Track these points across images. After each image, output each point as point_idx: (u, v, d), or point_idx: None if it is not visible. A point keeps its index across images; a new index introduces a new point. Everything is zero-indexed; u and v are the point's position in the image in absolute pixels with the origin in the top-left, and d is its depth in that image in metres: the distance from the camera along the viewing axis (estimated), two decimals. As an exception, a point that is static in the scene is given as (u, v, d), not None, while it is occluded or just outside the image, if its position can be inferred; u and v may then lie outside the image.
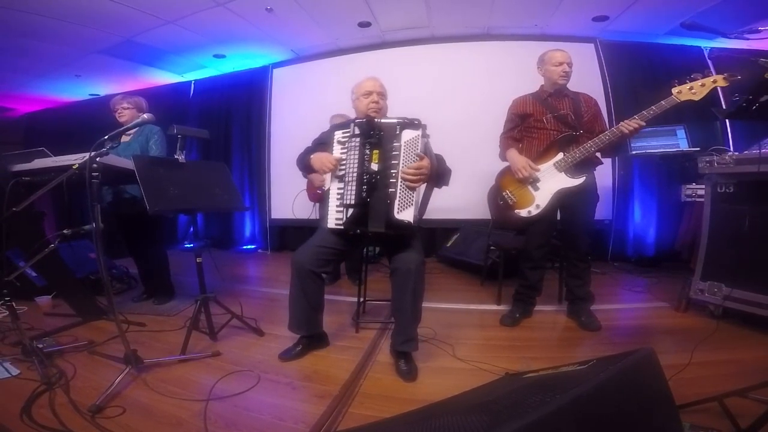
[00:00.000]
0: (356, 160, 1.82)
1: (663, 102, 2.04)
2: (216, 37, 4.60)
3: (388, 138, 1.80)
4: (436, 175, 1.86)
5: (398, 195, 1.73)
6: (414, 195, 1.75)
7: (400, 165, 1.74)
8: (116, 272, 3.54)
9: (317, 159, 1.95)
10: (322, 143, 2.04)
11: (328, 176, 1.93)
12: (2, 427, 1.41)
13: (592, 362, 1.15)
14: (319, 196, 3.70)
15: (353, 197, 1.80)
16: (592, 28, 4.28)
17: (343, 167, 1.87)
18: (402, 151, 1.75)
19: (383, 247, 2.00)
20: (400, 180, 1.74)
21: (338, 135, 1.94)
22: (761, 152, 2.08)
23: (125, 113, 2.89)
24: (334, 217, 1.88)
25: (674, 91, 2.02)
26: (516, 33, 4.55)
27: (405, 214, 1.72)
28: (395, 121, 1.81)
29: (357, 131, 1.86)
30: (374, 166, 1.79)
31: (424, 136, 1.81)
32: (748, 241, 2.23)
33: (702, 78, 1.97)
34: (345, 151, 1.89)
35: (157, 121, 2.05)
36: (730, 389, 1.36)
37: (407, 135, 1.76)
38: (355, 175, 1.81)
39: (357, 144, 1.85)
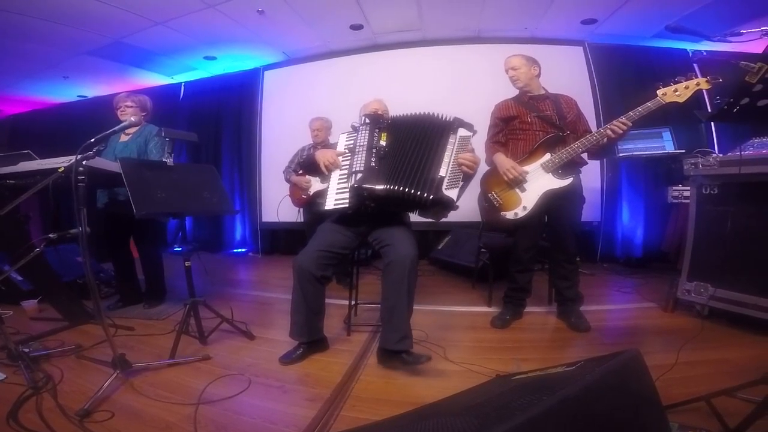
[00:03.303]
0: (366, 138, 2.01)
1: (649, 103, 2.05)
2: (206, 39, 4.58)
3: (432, 130, 1.99)
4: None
5: (448, 175, 1.91)
6: (460, 177, 1.93)
7: (453, 153, 1.94)
8: (104, 276, 3.49)
9: (322, 154, 2.08)
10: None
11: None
12: (-12, 432, 1.39)
13: (579, 363, 1.16)
14: (303, 201, 3.67)
15: (362, 164, 1.95)
16: (580, 31, 4.34)
17: (348, 155, 2.02)
18: (457, 144, 1.96)
19: (380, 223, 2.09)
20: (452, 163, 1.92)
21: (343, 136, 2.13)
22: (741, 155, 2.12)
23: (128, 111, 2.80)
24: (334, 199, 2.00)
25: (659, 93, 2.03)
26: (506, 36, 4.58)
27: (451, 192, 1.90)
28: (453, 118, 2.01)
29: (367, 121, 2.07)
30: (382, 143, 1.99)
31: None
32: (733, 242, 2.26)
33: (686, 80, 1.99)
34: (353, 137, 2.06)
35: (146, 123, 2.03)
36: (717, 389, 1.38)
37: (462, 132, 1.98)
38: (364, 147, 1.99)
39: (367, 129, 2.04)
